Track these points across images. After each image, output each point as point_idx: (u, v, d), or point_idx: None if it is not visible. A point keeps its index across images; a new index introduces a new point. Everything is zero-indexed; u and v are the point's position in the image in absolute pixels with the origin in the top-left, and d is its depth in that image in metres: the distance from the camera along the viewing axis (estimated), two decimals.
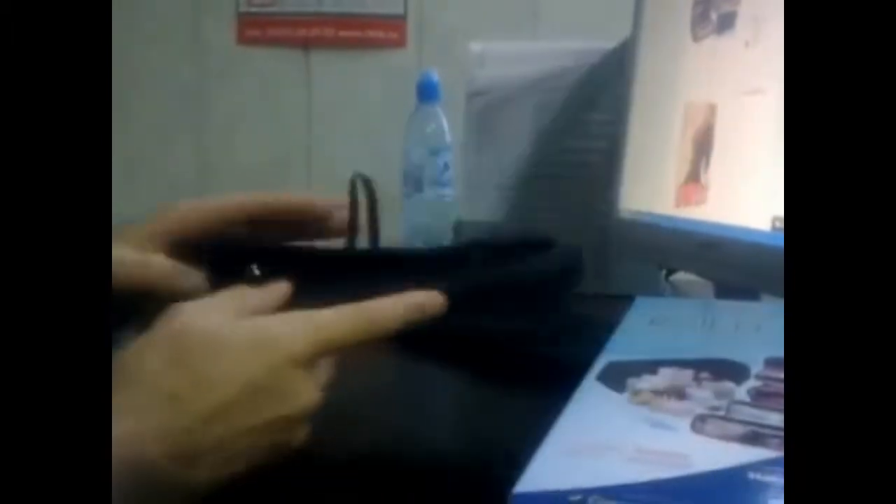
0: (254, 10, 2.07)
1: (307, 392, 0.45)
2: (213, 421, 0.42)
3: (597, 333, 0.54)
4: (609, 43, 0.89)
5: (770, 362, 0.46)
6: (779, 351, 0.38)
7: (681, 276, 0.95)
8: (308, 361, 0.45)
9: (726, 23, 0.71)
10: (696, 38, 0.74)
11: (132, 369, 0.42)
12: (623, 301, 0.60)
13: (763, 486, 0.35)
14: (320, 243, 0.59)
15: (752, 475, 0.36)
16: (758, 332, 0.52)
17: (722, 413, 0.42)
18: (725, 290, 0.77)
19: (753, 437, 0.39)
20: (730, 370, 0.46)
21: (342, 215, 0.58)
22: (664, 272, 0.98)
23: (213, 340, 0.43)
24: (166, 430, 0.40)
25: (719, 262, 0.71)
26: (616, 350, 0.51)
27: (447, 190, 1.03)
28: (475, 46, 0.94)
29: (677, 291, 0.94)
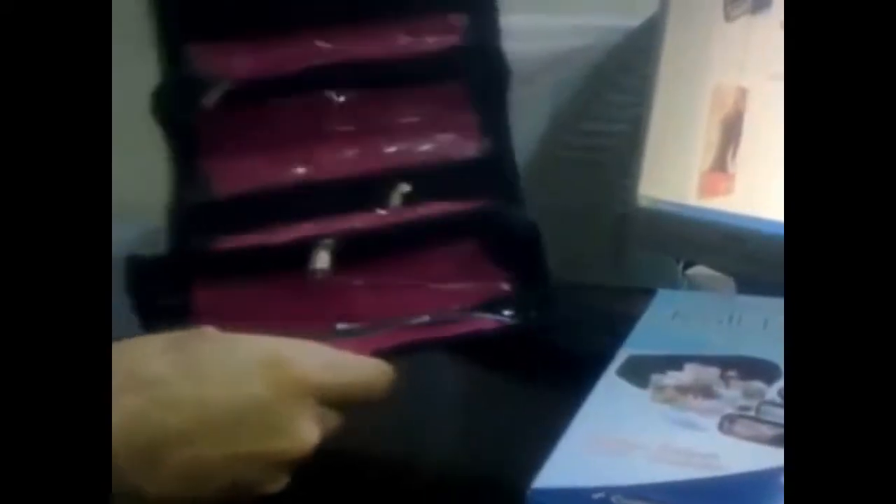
0: None
1: (304, 430, 0.39)
2: (190, 435, 0.37)
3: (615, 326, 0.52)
4: (634, 20, 0.85)
5: None
6: None
7: (699, 270, 0.92)
8: (317, 393, 0.40)
9: (762, 2, 0.68)
10: (729, 17, 0.72)
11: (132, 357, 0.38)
12: (643, 294, 0.58)
13: None
14: None
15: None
16: None
17: (752, 413, 0.40)
18: (748, 286, 0.74)
19: None
20: (759, 369, 0.44)
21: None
22: (681, 265, 0.95)
23: (224, 339, 0.39)
24: (137, 414, 0.36)
25: (746, 256, 0.68)
26: (637, 344, 0.49)
27: None
28: None
29: (695, 286, 0.92)
